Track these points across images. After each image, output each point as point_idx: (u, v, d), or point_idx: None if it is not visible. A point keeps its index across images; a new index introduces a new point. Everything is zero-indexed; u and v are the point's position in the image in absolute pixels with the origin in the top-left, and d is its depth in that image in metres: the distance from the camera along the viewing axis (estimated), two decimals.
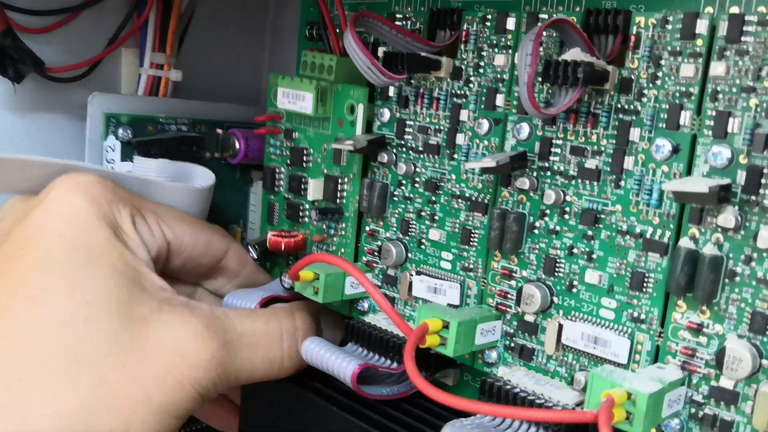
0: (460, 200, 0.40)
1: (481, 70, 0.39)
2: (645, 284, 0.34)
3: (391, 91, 0.43)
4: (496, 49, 0.39)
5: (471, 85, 0.40)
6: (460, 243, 0.40)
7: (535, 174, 0.37)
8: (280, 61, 0.63)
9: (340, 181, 0.46)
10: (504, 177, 0.38)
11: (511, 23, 0.38)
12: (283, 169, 0.49)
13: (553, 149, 0.37)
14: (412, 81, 0.42)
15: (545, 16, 0.37)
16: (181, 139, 0.52)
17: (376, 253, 0.45)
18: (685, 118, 0.32)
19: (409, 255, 0.43)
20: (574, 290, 0.36)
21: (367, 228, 0.45)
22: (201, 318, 0.37)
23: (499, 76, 0.39)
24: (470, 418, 0.36)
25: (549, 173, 0.37)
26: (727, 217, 0.31)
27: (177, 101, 0.54)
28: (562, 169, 0.36)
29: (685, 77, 0.32)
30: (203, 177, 0.49)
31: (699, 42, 0.32)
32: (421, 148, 0.42)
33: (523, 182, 0.37)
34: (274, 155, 0.50)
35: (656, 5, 0.34)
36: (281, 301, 0.47)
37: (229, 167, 0.55)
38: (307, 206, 0.48)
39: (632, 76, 0.34)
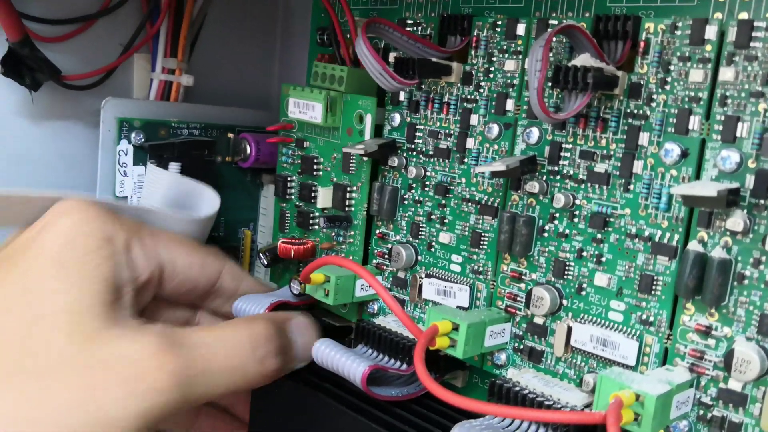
0: (470, 204, 0.41)
1: (492, 75, 0.40)
2: (654, 287, 0.34)
3: (402, 96, 0.44)
4: (506, 55, 0.39)
5: (481, 90, 0.40)
6: (470, 246, 0.41)
7: (544, 178, 0.38)
8: (290, 66, 0.64)
9: (348, 189, 0.46)
10: (514, 181, 0.39)
11: (521, 29, 0.39)
12: (294, 178, 0.50)
13: (562, 153, 0.37)
14: (423, 86, 0.43)
15: (555, 22, 0.37)
16: (193, 143, 0.53)
17: (386, 256, 0.45)
18: (694, 122, 0.33)
19: (419, 258, 0.43)
20: (583, 293, 0.37)
21: (378, 231, 0.46)
22: (154, 334, 0.37)
23: (509, 81, 0.39)
24: (479, 419, 0.36)
25: (558, 177, 0.37)
26: (736, 220, 0.31)
27: (189, 106, 0.55)
28: (571, 173, 0.37)
29: (694, 82, 0.33)
30: (209, 201, 0.49)
31: (708, 47, 0.32)
32: (431, 152, 0.42)
33: (533, 186, 0.38)
34: (286, 164, 0.51)
35: (665, 11, 0.35)
36: (290, 307, 0.48)
37: (240, 171, 0.55)
38: (317, 214, 0.49)
39: (641, 82, 0.34)
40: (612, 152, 0.35)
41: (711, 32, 0.32)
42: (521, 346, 0.39)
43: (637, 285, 0.35)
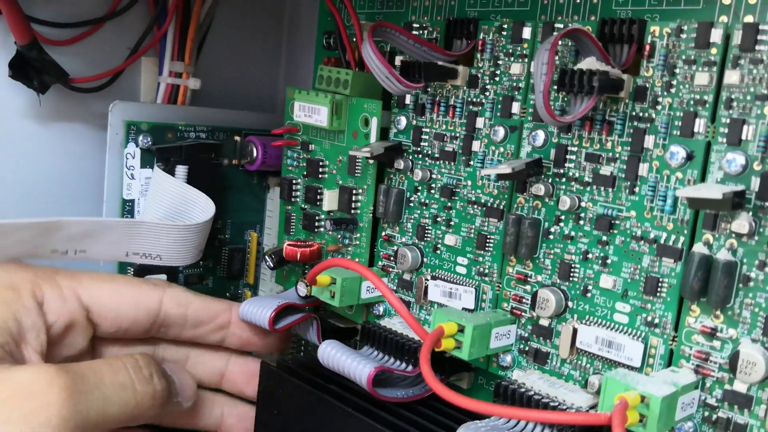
0: (475, 206, 0.41)
1: (497, 79, 0.40)
2: (659, 289, 0.34)
3: (408, 99, 0.44)
4: (512, 58, 0.39)
5: (487, 93, 0.40)
6: (475, 248, 0.41)
7: (550, 180, 0.38)
8: (297, 70, 0.64)
9: (354, 192, 0.47)
10: (519, 183, 0.39)
11: (527, 32, 0.39)
12: (299, 181, 0.50)
13: (568, 156, 0.37)
14: (429, 89, 0.43)
15: (561, 26, 0.37)
16: (200, 146, 0.53)
17: (392, 258, 0.45)
18: (700, 125, 0.33)
19: (425, 260, 0.44)
20: (589, 295, 0.37)
21: (384, 233, 0.46)
22: (44, 364, 0.38)
23: (515, 84, 0.39)
24: (485, 420, 0.36)
25: (564, 179, 0.37)
26: (741, 223, 0.32)
27: (195, 109, 0.55)
28: (577, 175, 0.37)
29: (699, 85, 0.33)
30: (203, 208, 0.49)
31: (713, 51, 0.32)
32: (437, 155, 0.43)
33: (539, 188, 0.38)
34: (291, 167, 0.51)
35: (671, 15, 0.35)
36: (296, 309, 0.48)
37: (247, 174, 0.56)
38: (322, 216, 0.49)
39: (647, 85, 0.35)
40: (617, 155, 0.36)
41: (716, 35, 0.32)
42: (527, 348, 0.39)
43: (642, 287, 0.35)
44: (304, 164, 0.50)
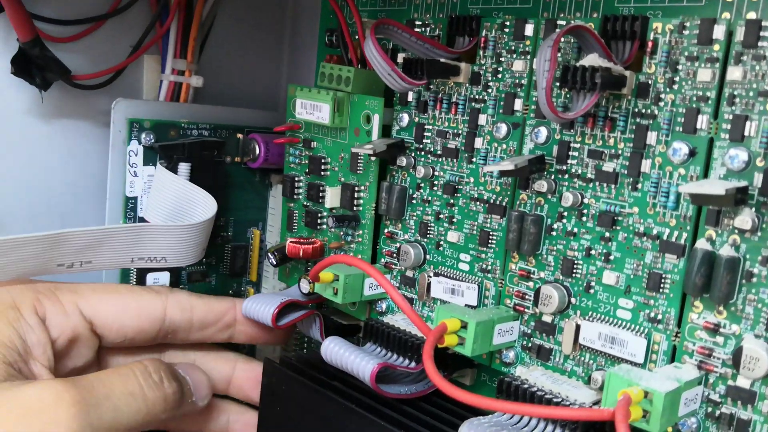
0: (478, 203, 0.41)
1: (500, 76, 0.40)
2: (662, 285, 0.34)
3: (410, 96, 0.44)
4: (514, 55, 0.39)
5: (489, 90, 0.40)
6: (478, 245, 0.41)
7: (552, 177, 0.38)
8: (299, 68, 0.64)
9: (356, 189, 0.47)
10: (522, 180, 0.39)
11: (529, 29, 0.39)
12: (302, 178, 0.50)
13: (570, 153, 0.37)
14: (431, 86, 0.43)
15: (563, 23, 0.37)
16: (203, 144, 0.53)
17: (394, 255, 0.45)
18: (702, 121, 0.33)
19: (428, 257, 0.44)
20: (592, 291, 0.37)
21: (386, 230, 0.46)
22: (52, 380, 0.38)
23: (517, 81, 0.39)
24: (488, 416, 0.36)
25: (567, 176, 0.37)
26: (744, 218, 0.32)
27: (198, 106, 0.55)
28: (579, 172, 0.37)
29: (702, 82, 0.33)
30: (206, 206, 0.49)
31: (716, 47, 0.33)
32: (439, 152, 0.43)
33: (541, 185, 0.38)
34: (293, 164, 0.51)
35: (673, 11, 0.35)
36: (299, 306, 0.48)
37: (249, 171, 0.56)
38: (325, 213, 0.49)
39: (649, 81, 0.35)
40: (620, 151, 0.36)
41: (719, 32, 0.32)
42: (529, 344, 0.39)
43: (645, 283, 0.35)
44: (307, 161, 0.50)
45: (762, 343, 0.32)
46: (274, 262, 0.50)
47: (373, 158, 0.45)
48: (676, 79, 0.34)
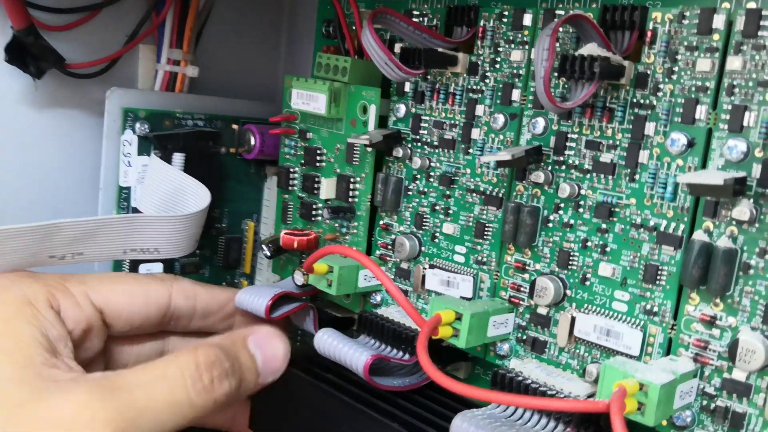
0: (474, 194, 0.41)
1: (498, 66, 0.40)
2: (658, 277, 0.34)
3: (407, 87, 0.44)
4: (512, 45, 0.39)
5: (487, 81, 0.40)
6: (474, 236, 0.41)
7: (550, 168, 0.38)
8: (296, 58, 0.64)
9: (352, 180, 0.46)
10: (519, 171, 0.39)
11: (527, 19, 0.39)
12: (297, 169, 0.50)
13: (568, 143, 0.37)
14: (429, 76, 0.43)
15: (562, 12, 0.37)
16: (198, 134, 0.53)
17: (389, 247, 0.45)
18: (701, 112, 0.33)
19: (423, 248, 0.43)
20: (588, 283, 0.37)
21: (382, 222, 0.46)
22: (86, 386, 0.36)
23: (515, 71, 0.39)
24: (482, 408, 0.36)
25: (564, 167, 0.37)
26: (742, 209, 0.31)
27: (194, 97, 0.55)
28: (577, 163, 0.37)
29: (701, 72, 0.33)
30: (199, 197, 0.48)
31: (716, 37, 0.32)
32: (436, 143, 0.42)
33: (538, 176, 0.38)
34: (288, 155, 0.51)
35: (673, 1, 0.35)
36: (293, 299, 0.48)
37: (244, 162, 0.55)
38: (320, 205, 0.49)
39: (648, 71, 0.34)
40: (618, 142, 0.35)
41: (719, 21, 0.32)
42: (524, 337, 0.39)
43: (641, 275, 0.35)
44: (302, 152, 0.49)
45: (758, 335, 0.31)
46: (269, 254, 0.50)
47: (369, 149, 0.45)
48: (675, 69, 0.33)
